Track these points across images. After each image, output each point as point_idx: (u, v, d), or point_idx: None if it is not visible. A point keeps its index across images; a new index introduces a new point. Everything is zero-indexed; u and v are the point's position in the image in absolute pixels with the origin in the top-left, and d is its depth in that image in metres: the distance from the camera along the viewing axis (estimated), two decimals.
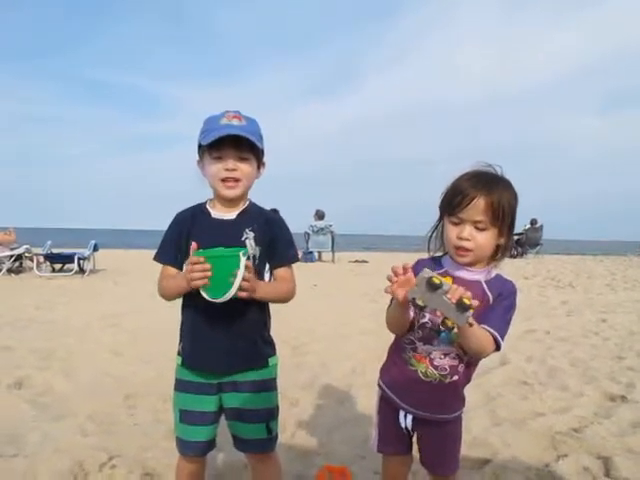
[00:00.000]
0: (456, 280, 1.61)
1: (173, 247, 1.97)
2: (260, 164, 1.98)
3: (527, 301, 8.34)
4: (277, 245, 1.95)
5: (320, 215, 16.46)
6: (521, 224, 20.14)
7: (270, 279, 1.98)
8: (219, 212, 1.95)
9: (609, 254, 24.10)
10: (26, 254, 11.99)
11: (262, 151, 1.95)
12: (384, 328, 1.83)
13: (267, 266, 1.97)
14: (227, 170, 1.86)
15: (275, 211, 13.60)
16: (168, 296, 1.92)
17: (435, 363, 1.74)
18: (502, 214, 1.63)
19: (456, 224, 1.67)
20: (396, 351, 1.86)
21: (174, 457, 2.08)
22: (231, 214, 1.94)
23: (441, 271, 1.72)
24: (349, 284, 10.38)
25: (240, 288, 1.70)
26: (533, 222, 20.09)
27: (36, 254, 11.78)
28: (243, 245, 1.86)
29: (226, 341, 1.88)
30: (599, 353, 5.04)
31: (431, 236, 1.81)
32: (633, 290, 10.13)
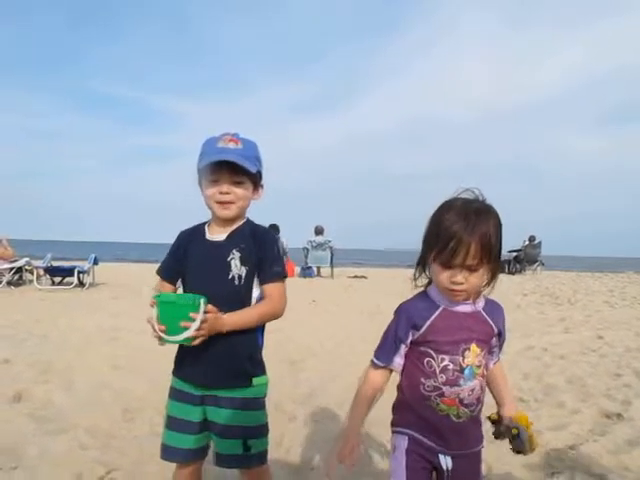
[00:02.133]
0: (457, 315, 1.69)
1: (170, 263, 2.11)
2: (257, 186, 2.04)
3: (525, 318, 8.37)
4: (264, 262, 2.00)
5: (319, 230, 16.52)
6: (520, 241, 20.20)
7: (260, 297, 2.01)
8: (212, 234, 2.04)
9: (606, 270, 24.10)
10: (26, 267, 12.02)
11: (259, 173, 2.01)
12: None
13: (256, 282, 2.01)
14: (221, 193, 1.95)
15: (274, 227, 13.59)
16: None
17: (465, 402, 1.69)
18: (491, 249, 1.60)
19: (447, 268, 1.62)
20: (417, 401, 1.74)
21: (171, 470, 2.11)
22: (222, 235, 2.01)
23: (439, 310, 1.69)
24: (348, 300, 10.39)
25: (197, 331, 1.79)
26: (532, 239, 20.13)
27: (36, 267, 11.81)
28: (228, 265, 1.94)
29: (210, 357, 1.92)
30: (596, 370, 5.06)
31: (416, 268, 1.77)
32: (631, 307, 10.16)
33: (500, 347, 1.86)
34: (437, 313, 1.69)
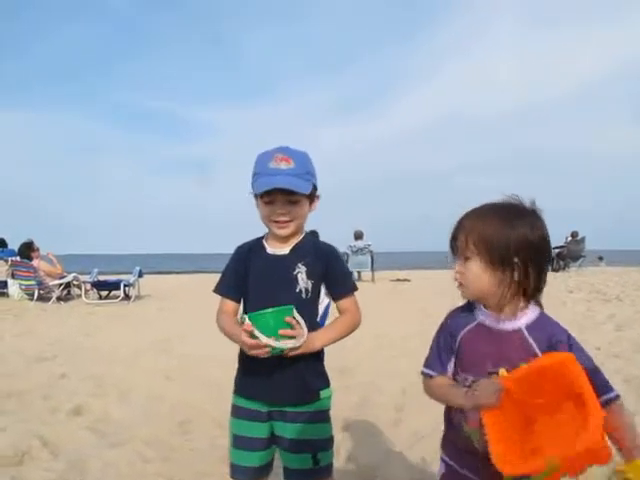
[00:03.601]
0: (490, 332, 1.54)
1: (232, 280, 2.08)
2: (314, 198, 2.06)
3: (573, 316, 8.19)
4: (335, 277, 2.03)
5: (358, 235, 16.48)
6: (562, 237, 19.79)
7: (325, 310, 2.05)
8: (273, 248, 2.03)
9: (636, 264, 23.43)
10: (74, 282, 12.31)
11: (314, 186, 2.02)
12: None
13: (321, 297, 2.04)
14: (278, 214, 1.96)
15: (314, 233, 13.64)
16: (229, 337, 1.99)
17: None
18: (485, 243, 1.49)
19: (456, 260, 1.58)
20: (448, 421, 1.67)
21: None
22: (284, 249, 2.02)
23: (472, 325, 1.59)
24: (391, 304, 10.32)
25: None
26: (574, 234, 19.70)
27: (84, 282, 12.08)
28: (295, 279, 1.95)
29: (276, 375, 1.93)
30: None
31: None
32: None
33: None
34: (470, 327, 1.59)
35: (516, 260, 1.48)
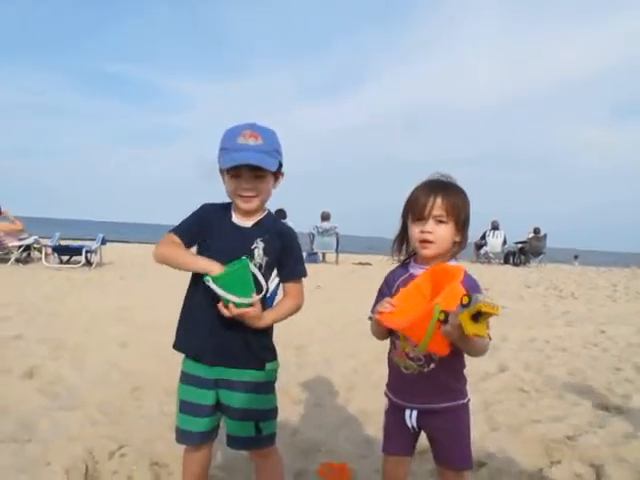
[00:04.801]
0: (414, 277, 1.91)
1: (191, 227, 2.08)
2: (278, 175, 2.10)
3: (529, 310, 8.43)
4: (287, 259, 2.10)
5: (325, 216, 16.54)
6: (524, 233, 20.17)
7: (275, 289, 2.12)
8: (238, 219, 2.08)
9: (610, 265, 24.12)
10: (34, 245, 12.13)
11: (280, 163, 2.06)
12: None
13: (273, 274, 2.09)
14: (244, 189, 1.99)
15: (281, 211, 13.58)
16: (169, 262, 2.01)
17: (410, 355, 1.89)
18: (457, 211, 1.88)
19: (419, 221, 1.90)
20: (388, 357, 2.04)
21: (180, 448, 2.18)
22: (248, 222, 2.07)
23: (406, 275, 1.97)
24: (353, 286, 10.45)
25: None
26: (536, 231, 20.07)
27: (44, 245, 11.91)
28: (252, 252, 2.01)
29: (223, 335, 1.97)
30: (597, 364, 5.11)
31: (394, 242, 2.06)
32: (634, 302, 10.19)
33: None
34: (403, 277, 1.97)
35: (465, 226, 1.92)
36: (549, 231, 20.39)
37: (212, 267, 1.88)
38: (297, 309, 2.14)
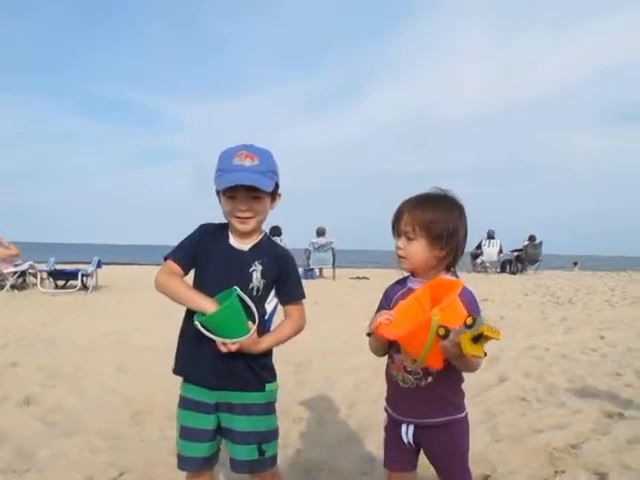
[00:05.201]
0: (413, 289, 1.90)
1: (188, 250, 2.08)
2: (275, 196, 2.10)
3: (527, 318, 8.42)
4: (286, 283, 2.10)
5: (321, 232, 16.56)
6: (520, 240, 20.23)
7: (273, 310, 2.12)
8: (236, 240, 2.07)
9: (607, 269, 24.16)
10: (30, 270, 12.06)
11: (276, 184, 2.06)
12: None
13: (269, 297, 2.09)
14: (240, 210, 1.99)
15: (276, 229, 13.57)
16: (167, 294, 2.02)
17: (408, 369, 1.88)
18: (429, 226, 1.85)
19: (396, 237, 1.93)
20: (385, 371, 2.03)
21: (180, 473, 2.15)
22: (245, 245, 2.06)
23: (405, 289, 1.96)
24: (351, 301, 10.44)
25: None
26: (532, 238, 20.12)
27: (40, 270, 11.86)
28: (250, 276, 2.01)
29: (223, 359, 1.94)
30: (597, 370, 5.10)
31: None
32: (631, 306, 10.18)
33: None
34: (402, 291, 1.96)
35: (447, 240, 1.86)
36: (547, 239, 20.44)
37: (206, 307, 1.88)
38: (298, 330, 2.14)
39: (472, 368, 1.77)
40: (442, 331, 1.60)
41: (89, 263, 12.63)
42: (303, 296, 2.16)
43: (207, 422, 2.03)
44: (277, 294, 2.11)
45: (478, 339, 1.55)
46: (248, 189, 1.95)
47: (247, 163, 1.95)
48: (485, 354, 1.65)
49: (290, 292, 2.13)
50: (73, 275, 11.73)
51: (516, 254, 19.92)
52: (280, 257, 2.10)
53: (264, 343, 1.99)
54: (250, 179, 1.93)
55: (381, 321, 1.79)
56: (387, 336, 1.78)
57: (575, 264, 25.73)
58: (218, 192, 2.04)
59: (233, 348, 1.88)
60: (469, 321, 1.55)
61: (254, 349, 1.96)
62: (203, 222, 2.15)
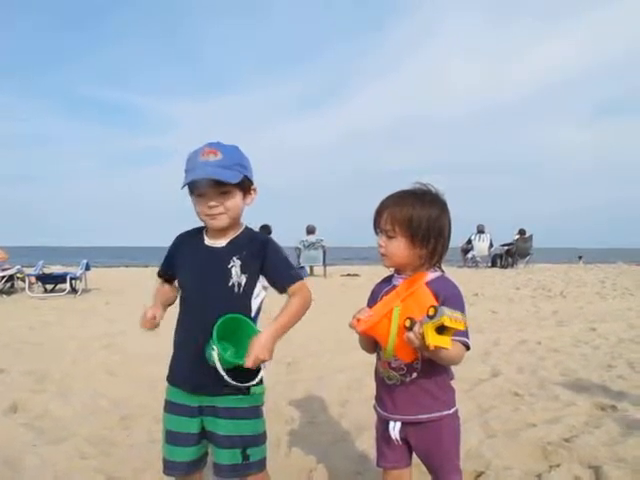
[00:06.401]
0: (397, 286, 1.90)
1: (165, 262, 2.17)
2: (248, 190, 2.05)
3: (519, 312, 8.44)
4: (275, 268, 2.03)
5: (310, 230, 16.50)
6: (510, 234, 20.29)
7: (260, 303, 2.06)
8: (211, 240, 2.05)
9: (596, 262, 24.27)
10: (18, 275, 11.95)
11: (247, 178, 2.01)
12: None
13: (255, 290, 2.03)
14: (209, 207, 1.96)
15: (266, 227, 13.50)
16: None
17: (393, 365, 1.89)
18: (409, 224, 1.83)
19: (378, 236, 1.92)
20: (375, 369, 2.03)
21: (168, 478, 2.12)
22: (221, 242, 2.03)
23: (389, 287, 1.94)
24: (342, 298, 10.39)
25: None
26: (522, 232, 20.18)
27: (28, 275, 11.74)
28: (229, 272, 1.97)
29: (198, 359, 1.91)
30: (589, 362, 5.11)
31: None
32: (622, 298, 10.25)
33: None
34: (387, 288, 1.94)
35: (429, 238, 1.84)
36: (548, 231, 20.50)
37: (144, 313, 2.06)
38: (307, 305, 2.04)
39: (447, 360, 1.75)
40: (408, 322, 1.61)
41: (78, 265, 12.53)
42: (299, 277, 2.07)
43: (190, 426, 2.00)
44: (271, 284, 2.04)
45: (442, 330, 1.54)
46: (215, 185, 1.92)
47: (211, 158, 1.93)
48: (469, 347, 1.69)
49: (285, 275, 2.03)
50: (62, 278, 11.64)
51: (506, 248, 19.98)
52: (261, 245, 2.04)
53: (274, 334, 1.92)
54: (211, 172, 1.90)
55: (358, 317, 1.80)
56: (357, 328, 1.80)
57: (580, 258, 25.66)
58: (190, 194, 2.01)
59: (250, 365, 1.86)
60: (431, 312, 1.55)
61: (268, 351, 1.88)
62: (195, 223, 2.14)
